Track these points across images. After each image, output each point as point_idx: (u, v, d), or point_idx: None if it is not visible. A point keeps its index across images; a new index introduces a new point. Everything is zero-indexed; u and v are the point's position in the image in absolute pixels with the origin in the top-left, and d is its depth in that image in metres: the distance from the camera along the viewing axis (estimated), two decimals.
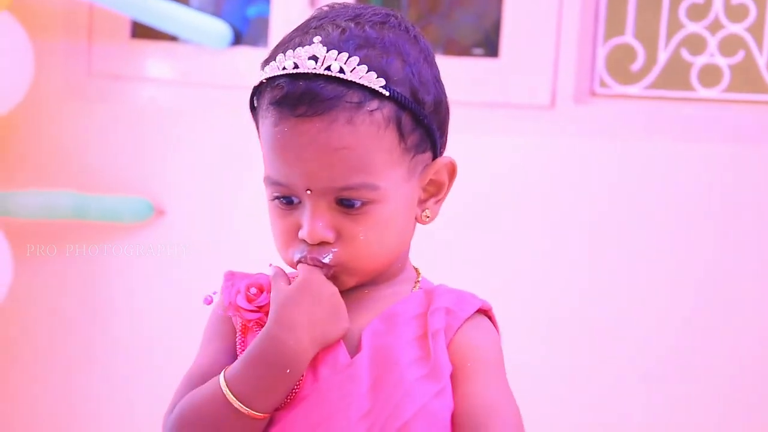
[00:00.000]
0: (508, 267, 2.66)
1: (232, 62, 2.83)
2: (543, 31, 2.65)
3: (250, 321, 1.27)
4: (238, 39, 2.85)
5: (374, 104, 1.22)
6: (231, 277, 1.31)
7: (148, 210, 2.83)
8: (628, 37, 2.66)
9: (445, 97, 1.31)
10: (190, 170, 2.87)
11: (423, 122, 1.26)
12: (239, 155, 2.76)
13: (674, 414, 2.56)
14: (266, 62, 1.27)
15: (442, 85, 1.31)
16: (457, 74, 2.71)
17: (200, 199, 2.85)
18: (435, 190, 1.32)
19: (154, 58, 2.92)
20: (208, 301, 1.31)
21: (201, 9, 2.95)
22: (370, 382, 1.24)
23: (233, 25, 2.86)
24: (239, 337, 1.29)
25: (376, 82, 1.23)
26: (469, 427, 1.23)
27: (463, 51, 2.81)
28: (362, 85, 1.22)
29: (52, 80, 2.91)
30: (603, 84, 2.67)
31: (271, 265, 1.30)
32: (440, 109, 1.29)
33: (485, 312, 1.31)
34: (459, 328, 1.27)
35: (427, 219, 1.31)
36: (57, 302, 2.92)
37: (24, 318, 2.94)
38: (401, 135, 1.24)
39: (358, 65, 1.22)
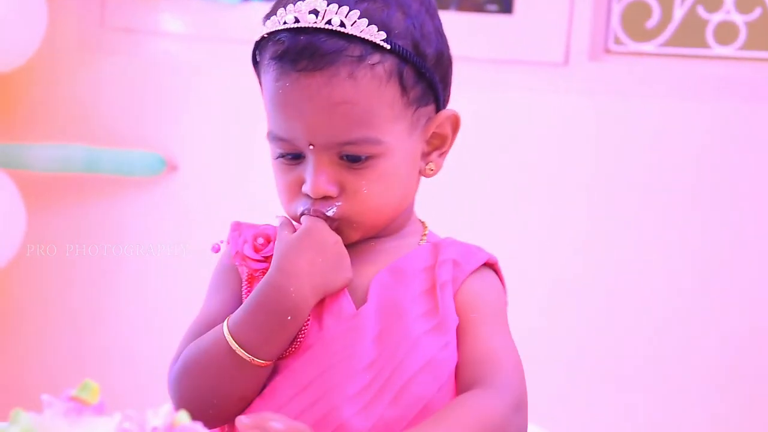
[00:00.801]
0: (519, 224, 2.65)
1: (244, 17, 2.82)
2: None
3: (256, 270, 1.28)
4: None
5: (376, 58, 1.22)
6: (238, 227, 1.32)
7: (160, 164, 2.83)
8: None
9: (448, 49, 1.30)
10: (202, 125, 2.86)
11: (425, 75, 1.26)
12: (251, 110, 2.74)
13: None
14: (267, 16, 1.28)
15: (445, 37, 1.30)
16: (470, 30, 2.70)
17: (212, 154, 2.85)
18: (439, 143, 1.32)
19: (167, 11, 2.91)
20: (216, 249, 1.32)
21: None
22: (375, 332, 1.24)
23: None
24: (245, 286, 1.30)
25: (377, 36, 1.22)
26: (471, 376, 1.24)
27: (478, 7, 2.79)
28: (363, 38, 1.22)
29: (66, 33, 2.90)
30: (617, 41, 2.65)
31: (277, 216, 1.31)
32: (442, 62, 1.28)
33: (492, 265, 1.32)
34: (465, 279, 1.28)
35: (431, 172, 1.32)
36: (69, 258, 2.93)
37: (37, 270, 2.95)
38: (403, 88, 1.24)
39: (358, 19, 1.22)
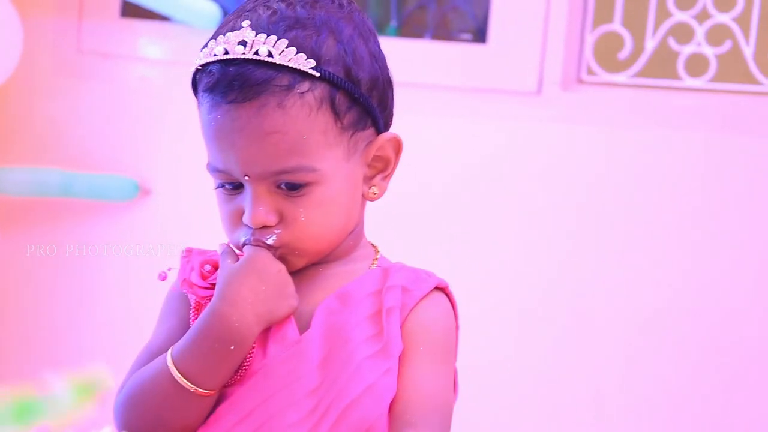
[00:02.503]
0: (491, 253, 2.66)
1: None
2: (531, 18, 2.65)
3: (203, 298, 1.28)
4: None
5: (305, 86, 1.22)
6: (188, 254, 1.32)
7: (133, 189, 2.84)
8: (616, 25, 2.66)
9: (386, 71, 1.29)
10: (176, 150, 2.87)
11: (359, 100, 1.25)
12: None
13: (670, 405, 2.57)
14: (202, 48, 1.27)
15: (383, 60, 1.30)
16: (445, 59, 2.71)
17: (185, 179, 2.86)
18: (382, 166, 1.31)
19: (143, 37, 2.92)
20: (163, 277, 1.32)
21: None
22: (319, 358, 1.24)
23: (223, 6, 2.86)
24: (192, 314, 1.30)
25: (305, 64, 1.22)
26: (402, 411, 1.23)
27: (452, 36, 2.80)
28: (292, 67, 1.21)
29: (42, 57, 2.91)
30: (590, 71, 2.67)
31: (220, 244, 1.31)
32: (378, 85, 1.27)
33: (442, 289, 1.31)
34: (414, 306, 1.27)
35: (375, 195, 1.31)
36: (41, 281, 2.93)
37: (7, 296, 2.94)
38: (336, 115, 1.24)
39: (286, 47, 1.22)
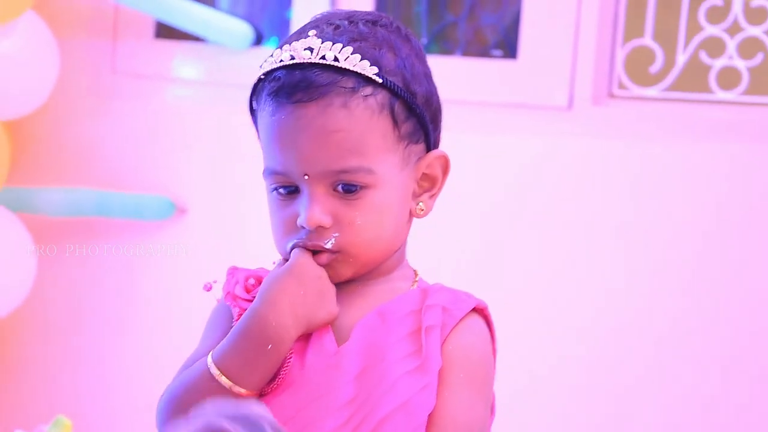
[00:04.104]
0: (524, 268, 2.67)
1: (254, 62, 2.85)
2: (561, 33, 2.66)
3: (245, 310, 1.30)
4: (259, 40, 2.88)
5: (368, 90, 1.26)
6: (234, 271, 1.35)
7: (169, 208, 2.86)
8: (647, 39, 2.67)
9: (437, 94, 1.34)
10: (211, 169, 2.89)
11: (416, 111, 1.29)
12: (260, 155, 2.78)
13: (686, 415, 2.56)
14: (265, 60, 1.31)
15: (433, 83, 1.34)
16: (476, 75, 2.73)
17: (221, 198, 2.88)
18: (429, 185, 1.34)
19: (177, 57, 2.95)
20: (208, 288, 1.35)
21: (230, 11, 2.98)
22: (356, 372, 1.26)
23: (256, 26, 2.89)
24: (235, 326, 1.32)
25: (369, 70, 1.26)
26: None
27: (483, 52, 2.82)
28: (356, 72, 1.26)
29: (77, 79, 2.95)
30: (621, 86, 2.68)
31: (274, 262, 1.33)
32: (431, 103, 1.32)
33: (481, 311, 1.32)
34: (454, 326, 1.28)
35: (422, 212, 1.33)
36: (79, 300, 2.96)
37: (47, 314, 2.98)
38: (395, 122, 1.28)
39: (351, 54, 1.27)
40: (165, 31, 2.96)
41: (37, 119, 2.95)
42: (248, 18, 2.92)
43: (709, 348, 2.55)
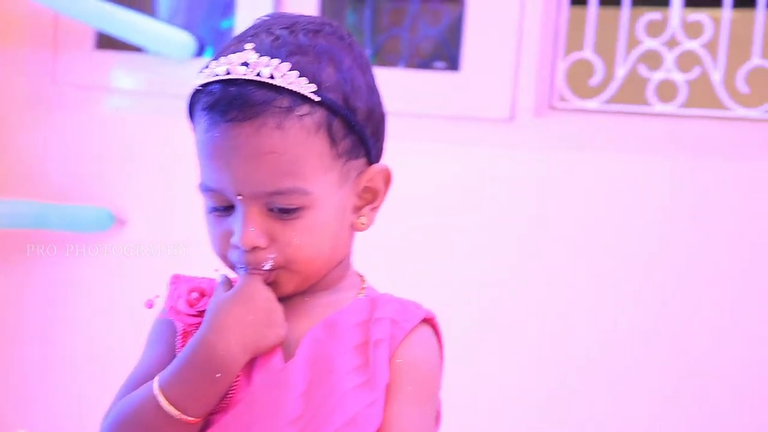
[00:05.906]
0: (465, 278, 2.68)
1: (194, 73, 2.84)
2: (503, 46, 2.67)
3: (190, 325, 1.28)
4: (202, 50, 2.87)
5: (304, 109, 1.23)
6: (176, 281, 1.32)
7: (108, 219, 2.84)
8: (588, 52, 2.69)
9: (380, 104, 1.31)
10: (151, 181, 2.87)
11: (355, 129, 1.26)
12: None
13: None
14: (202, 70, 1.28)
15: (377, 93, 1.31)
16: (418, 87, 2.74)
17: (161, 209, 2.86)
18: (371, 198, 1.32)
19: (118, 68, 2.93)
20: (149, 305, 1.32)
21: (169, 20, 2.97)
22: (303, 387, 1.24)
23: (198, 37, 2.87)
24: (179, 341, 1.29)
25: (306, 88, 1.23)
26: None
27: (425, 64, 2.83)
28: (292, 90, 1.23)
29: (17, 89, 2.91)
30: (562, 98, 2.70)
31: (216, 270, 1.31)
32: (373, 117, 1.29)
33: (429, 320, 1.31)
34: (403, 339, 1.27)
35: (363, 226, 1.31)
36: (18, 313, 2.92)
37: None
38: (332, 140, 1.25)
39: (288, 71, 1.23)
40: (105, 42, 2.94)
41: None
42: (189, 28, 2.91)
43: (646, 359, 2.57)
